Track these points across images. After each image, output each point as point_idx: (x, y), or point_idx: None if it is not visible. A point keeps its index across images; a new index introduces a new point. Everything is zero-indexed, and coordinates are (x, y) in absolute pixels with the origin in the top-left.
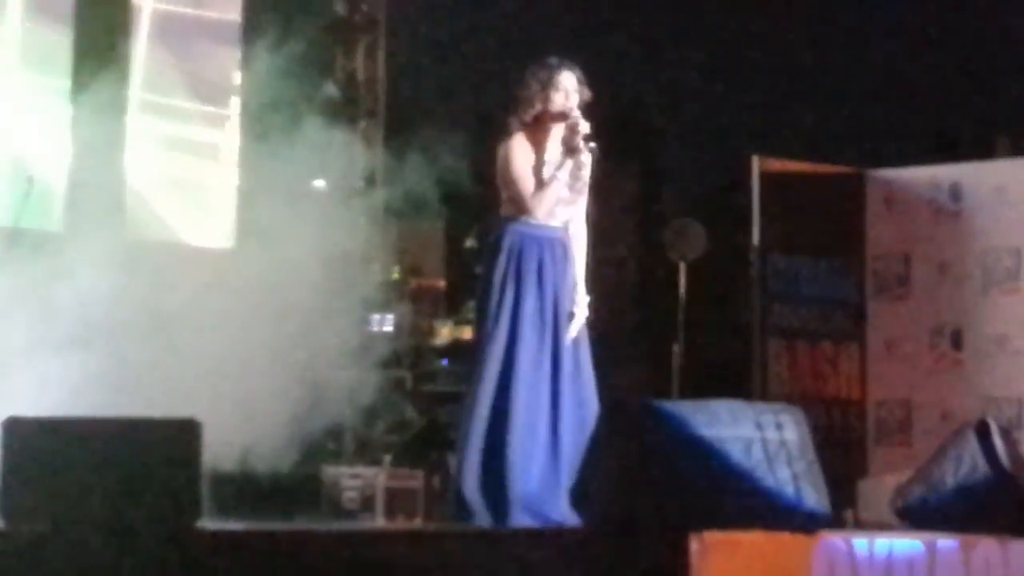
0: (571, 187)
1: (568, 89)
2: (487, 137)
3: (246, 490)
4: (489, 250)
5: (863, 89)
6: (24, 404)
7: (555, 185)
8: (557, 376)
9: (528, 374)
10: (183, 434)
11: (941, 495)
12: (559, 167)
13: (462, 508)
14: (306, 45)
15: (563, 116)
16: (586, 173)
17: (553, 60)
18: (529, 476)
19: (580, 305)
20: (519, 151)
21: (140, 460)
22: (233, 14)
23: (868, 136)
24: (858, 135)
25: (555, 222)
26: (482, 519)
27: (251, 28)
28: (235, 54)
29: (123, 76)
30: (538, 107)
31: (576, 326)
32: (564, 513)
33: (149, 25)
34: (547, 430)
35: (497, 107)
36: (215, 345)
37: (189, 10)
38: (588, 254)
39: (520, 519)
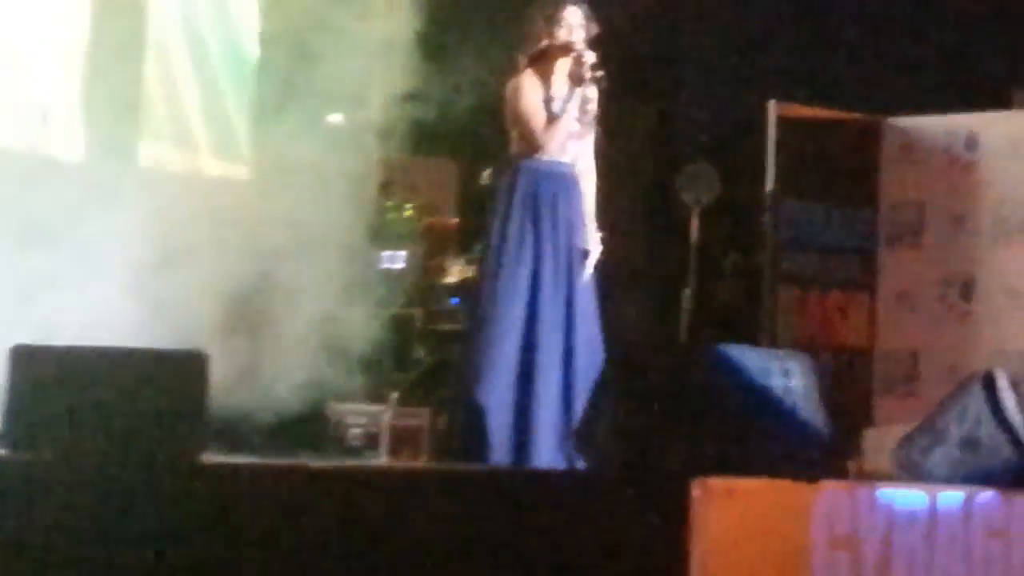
0: (580, 120)
1: (573, 23)
2: (497, 74)
3: (251, 425)
4: (503, 188)
5: (883, 36)
6: (38, 334)
7: (565, 119)
8: (571, 316)
9: (548, 313)
10: (190, 366)
11: (945, 447)
12: (567, 101)
13: (482, 446)
14: None
15: (567, 49)
16: (593, 107)
17: None
18: (545, 417)
19: (593, 243)
20: (527, 87)
21: (146, 391)
22: None
23: (886, 83)
24: (876, 82)
25: (566, 157)
26: (500, 456)
27: None
28: None
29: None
30: (543, 42)
31: (591, 264)
32: (570, 456)
33: None
34: (560, 371)
35: (510, 44)
36: (226, 280)
37: None
38: (598, 192)
39: (539, 459)
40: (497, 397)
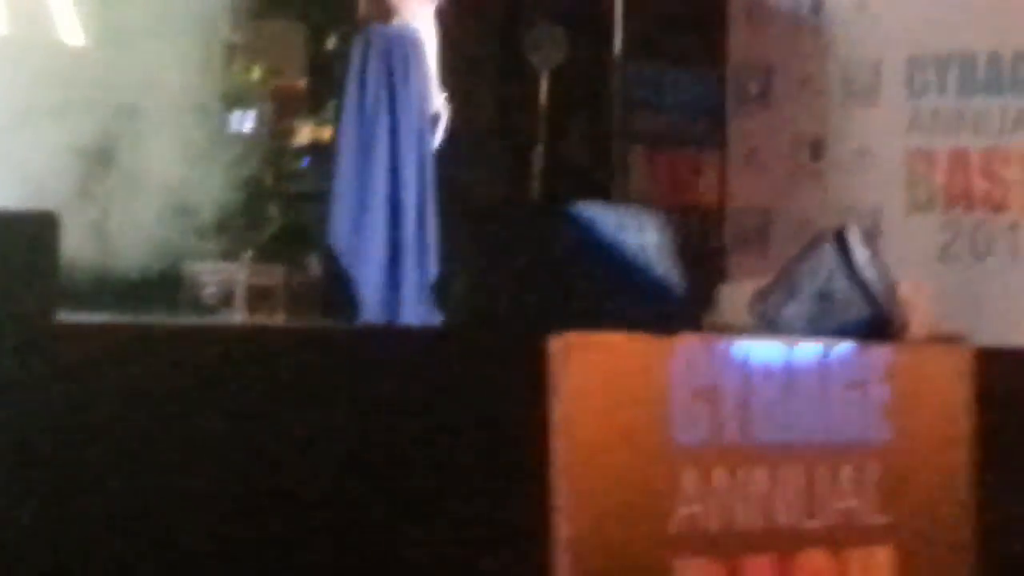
0: None
1: None
2: None
3: (104, 286)
4: (356, 52)
5: None
6: None
7: None
8: (425, 177)
9: (407, 172)
10: (40, 226)
11: (799, 302)
12: None
13: (348, 303)
14: None
15: None
16: None
17: None
18: (408, 274)
19: (441, 106)
20: None
21: None
22: None
23: None
24: None
25: (415, 22)
26: (366, 314)
27: None
28: None
29: None
30: None
31: (440, 127)
32: (420, 313)
33: None
34: (419, 230)
35: None
36: (75, 142)
37: None
38: (445, 55)
39: (403, 317)
40: (363, 254)
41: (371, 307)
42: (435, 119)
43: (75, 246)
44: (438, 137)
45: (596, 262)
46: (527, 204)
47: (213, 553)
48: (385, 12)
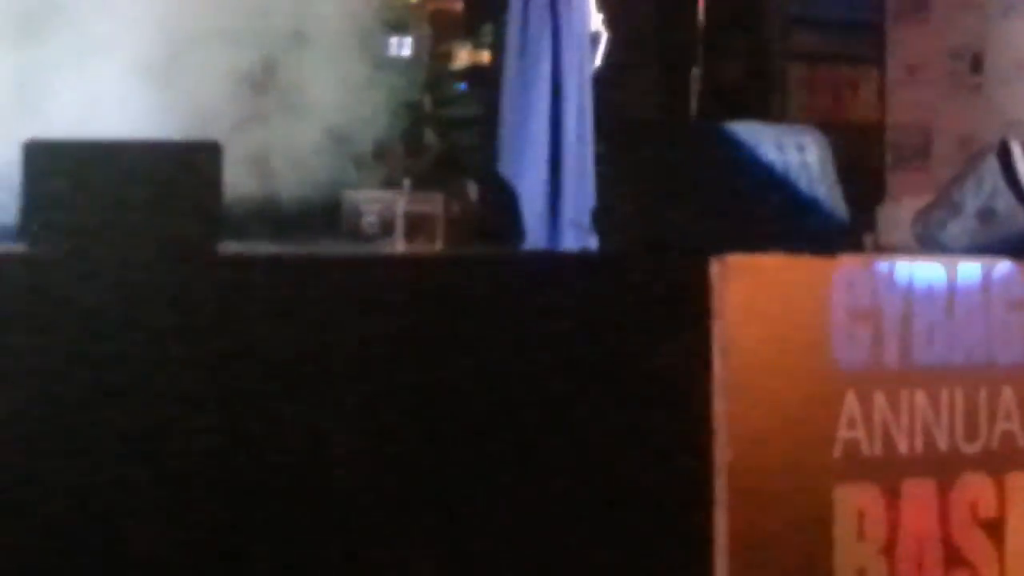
0: None
1: None
2: None
3: (266, 215)
4: None
5: None
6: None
7: None
8: (584, 100)
9: (571, 96)
10: (204, 156)
11: (961, 219)
12: None
13: (509, 230)
14: None
15: None
16: None
17: None
18: (568, 200)
19: (599, 23)
20: None
21: (160, 182)
22: None
23: None
24: None
25: None
26: (528, 241)
27: None
28: None
29: None
30: None
31: (601, 47)
32: (580, 237)
33: None
34: (581, 153)
35: None
36: (236, 70)
37: None
38: None
39: (565, 243)
40: (526, 180)
41: (532, 233)
42: (595, 40)
43: (237, 175)
44: (597, 59)
45: (756, 182)
46: (685, 124)
47: (368, 472)
48: None
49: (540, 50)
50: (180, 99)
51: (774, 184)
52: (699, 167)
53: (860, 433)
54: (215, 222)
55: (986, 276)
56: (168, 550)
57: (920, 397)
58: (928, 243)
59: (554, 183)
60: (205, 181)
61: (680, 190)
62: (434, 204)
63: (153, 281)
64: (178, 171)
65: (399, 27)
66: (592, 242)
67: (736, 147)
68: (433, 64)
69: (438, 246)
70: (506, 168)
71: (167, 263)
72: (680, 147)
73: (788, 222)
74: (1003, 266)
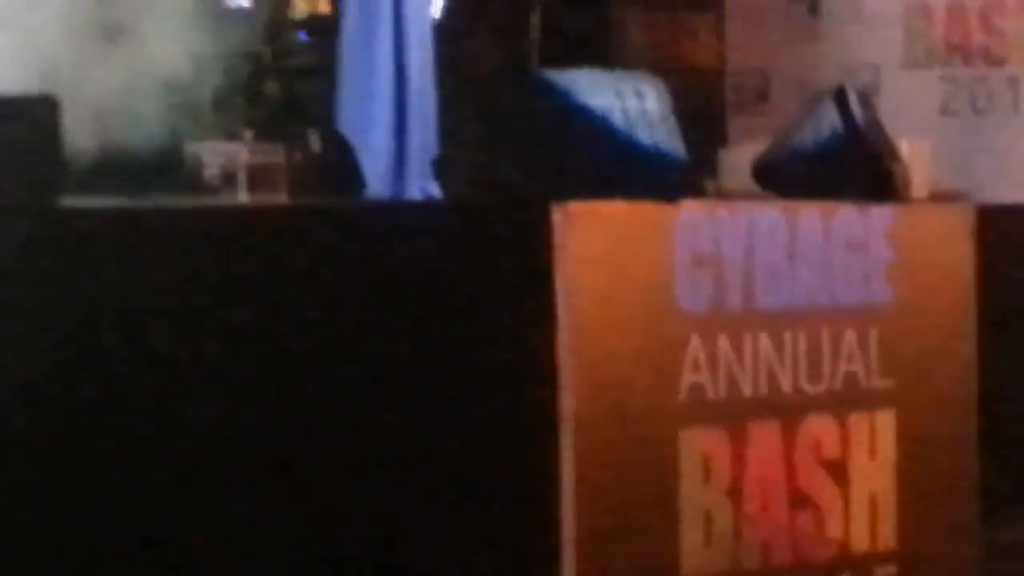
0: None
1: None
2: None
3: (105, 168)
4: None
5: None
6: None
7: None
8: (425, 49)
9: (413, 43)
10: (41, 110)
11: (800, 159)
12: None
13: (352, 180)
14: None
15: None
16: None
17: None
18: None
19: None
20: None
21: None
22: None
23: None
24: None
25: None
26: (373, 190)
27: None
28: None
29: None
30: None
31: None
32: (424, 187)
33: None
34: (423, 100)
35: None
36: (69, 24)
37: None
38: None
39: (409, 191)
40: (368, 130)
41: (375, 182)
42: None
43: (75, 129)
44: (437, 8)
45: (595, 130)
46: (523, 73)
47: (224, 436)
48: None
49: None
50: (18, 51)
51: (613, 131)
52: (537, 115)
53: (704, 377)
54: (55, 176)
55: (826, 219)
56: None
57: (764, 340)
58: (768, 186)
59: (398, 133)
60: (44, 134)
61: (519, 138)
62: (276, 154)
63: None
64: (16, 124)
65: None
66: (436, 192)
67: (574, 95)
68: (273, 13)
69: (282, 197)
70: (349, 118)
71: (9, 217)
72: (518, 95)
73: (628, 169)
74: (843, 209)
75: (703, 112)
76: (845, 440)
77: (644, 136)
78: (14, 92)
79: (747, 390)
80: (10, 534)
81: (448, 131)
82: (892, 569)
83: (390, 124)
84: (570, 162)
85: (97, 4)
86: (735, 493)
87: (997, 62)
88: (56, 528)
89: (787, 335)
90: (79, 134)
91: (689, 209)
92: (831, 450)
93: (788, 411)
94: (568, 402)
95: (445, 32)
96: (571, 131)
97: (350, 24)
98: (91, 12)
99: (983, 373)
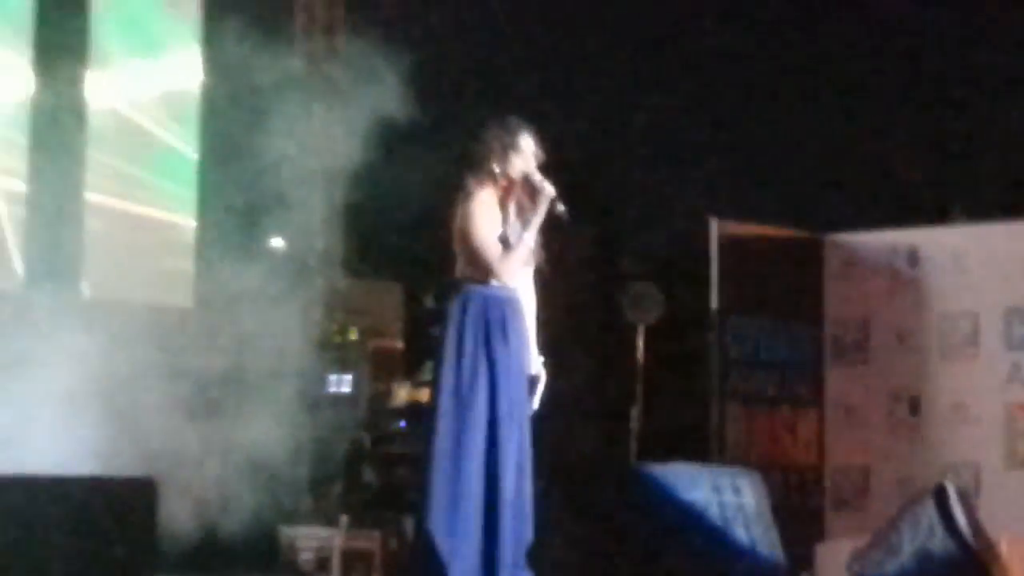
0: (531, 250)
1: (527, 151)
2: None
3: (202, 551)
4: (454, 312)
5: (822, 153)
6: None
7: (522, 249)
8: (522, 441)
9: (506, 440)
10: (140, 493)
11: (898, 560)
12: (520, 231)
13: (428, 569)
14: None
15: (525, 180)
16: (539, 235)
17: (513, 120)
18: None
19: (539, 367)
20: (483, 214)
21: (97, 518)
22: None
23: (827, 201)
24: (816, 199)
25: (513, 282)
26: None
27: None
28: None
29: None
30: (497, 168)
31: (540, 389)
32: None
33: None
34: (518, 498)
35: (453, 165)
36: (174, 406)
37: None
38: (541, 315)
39: None
40: (458, 527)
41: (466, 571)
42: (534, 382)
43: (176, 510)
44: (536, 400)
45: (692, 524)
46: (621, 466)
47: None
48: (483, 274)
49: (474, 389)
50: (121, 432)
51: (709, 526)
52: (635, 510)
53: None
54: (150, 557)
55: None
56: None
57: None
58: None
59: (490, 523)
60: (141, 517)
61: (616, 533)
62: (371, 540)
63: None
64: (114, 506)
65: (340, 365)
66: None
67: (671, 490)
68: (373, 401)
69: None
70: (437, 515)
71: None
72: (617, 489)
73: (724, 564)
74: None
75: (802, 507)
76: None
77: (740, 532)
78: (114, 474)
79: None
80: None
81: (545, 523)
82: None
83: (480, 522)
84: (666, 558)
85: (199, 387)
86: None
87: None
88: None
89: None
90: (178, 517)
91: None
92: None
93: None
94: None
95: (546, 424)
96: (668, 526)
97: (443, 413)
98: (193, 394)
99: None
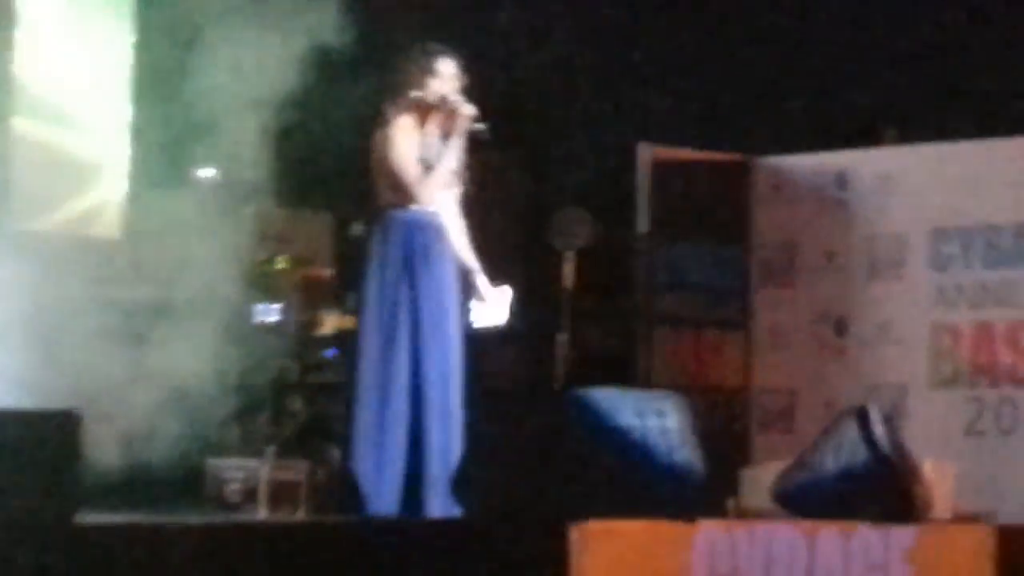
0: (452, 172)
1: (446, 75)
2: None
3: (126, 483)
4: (375, 240)
5: (750, 77)
6: None
7: (440, 171)
8: (447, 366)
9: (431, 366)
10: (63, 425)
11: (821, 481)
12: (441, 153)
13: (354, 497)
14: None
15: (442, 102)
16: (462, 157)
17: (431, 46)
18: (431, 468)
19: (487, 289)
20: (401, 138)
21: (18, 452)
22: None
23: (755, 124)
24: (745, 123)
25: (434, 207)
26: (378, 507)
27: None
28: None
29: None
30: (416, 94)
31: (488, 310)
32: (442, 504)
33: None
34: (442, 422)
35: (378, 93)
36: (100, 337)
37: None
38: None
39: (426, 511)
40: (385, 447)
41: (391, 500)
42: (467, 300)
43: (101, 442)
44: (504, 313)
45: (616, 448)
46: (546, 393)
47: None
48: (404, 199)
49: (397, 314)
50: (43, 365)
51: (633, 450)
52: (559, 435)
53: None
54: (75, 492)
55: (845, 540)
56: None
57: None
58: (789, 506)
59: (416, 450)
60: (64, 450)
61: (540, 458)
62: (298, 471)
63: (16, 549)
64: (37, 440)
65: (269, 294)
66: (455, 508)
67: (595, 415)
68: (301, 330)
69: (300, 514)
70: (365, 436)
71: (29, 531)
72: (541, 415)
73: (647, 487)
74: (862, 530)
75: (728, 431)
76: None
77: (662, 453)
78: (37, 407)
79: None
80: None
81: (469, 450)
82: None
83: (406, 442)
84: (588, 482)
85: (125, 318)
86: None
87: (1023, 382)
88: None
89: None
90: (103, 449)
91: (707, 528)
92: None
93: None
94: None
95: (470, 349)
96: (591, 449)
97: (366, 339)
98: (119, 325)
99: None
